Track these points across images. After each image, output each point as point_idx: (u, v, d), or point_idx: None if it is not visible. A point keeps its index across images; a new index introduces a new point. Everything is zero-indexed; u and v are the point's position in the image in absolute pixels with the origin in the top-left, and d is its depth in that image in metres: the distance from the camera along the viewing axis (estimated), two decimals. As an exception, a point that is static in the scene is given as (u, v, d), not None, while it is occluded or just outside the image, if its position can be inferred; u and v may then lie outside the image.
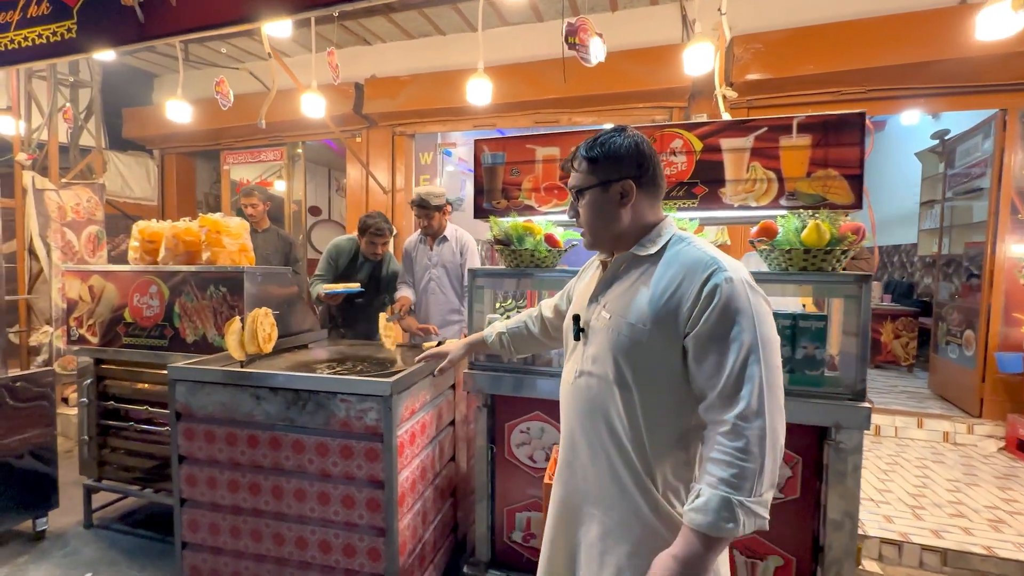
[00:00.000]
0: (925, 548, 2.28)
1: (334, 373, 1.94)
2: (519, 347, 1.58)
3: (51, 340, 4.13)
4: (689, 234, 1.07)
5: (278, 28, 3.11)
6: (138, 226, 2.62)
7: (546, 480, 1.47)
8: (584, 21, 1.99)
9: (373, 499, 1.71)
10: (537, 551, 1.27)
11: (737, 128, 1.83)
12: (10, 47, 2.57)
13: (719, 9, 2.52)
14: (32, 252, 4.17)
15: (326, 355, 2.38)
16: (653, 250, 1.04)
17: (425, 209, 2.87)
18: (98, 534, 2.57)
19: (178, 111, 3.72)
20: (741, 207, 1.84)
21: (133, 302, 2.45)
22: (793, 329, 1.71)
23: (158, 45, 4.94)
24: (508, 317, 1.80)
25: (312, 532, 1.78)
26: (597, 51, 2.01)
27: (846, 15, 3.57)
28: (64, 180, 4.43)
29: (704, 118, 3.82)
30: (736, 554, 1.77)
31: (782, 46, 3.64)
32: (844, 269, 1.67)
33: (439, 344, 2.40)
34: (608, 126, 1.15)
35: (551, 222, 1.99)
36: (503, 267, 1.99)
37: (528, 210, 2.11)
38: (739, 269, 0.97)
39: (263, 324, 2.09)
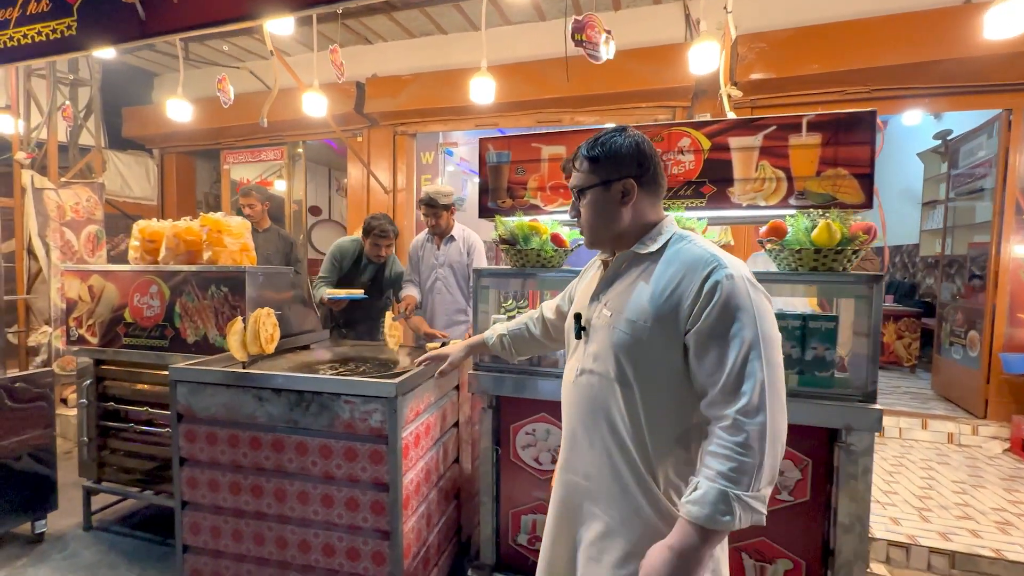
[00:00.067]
0: (933, 551, 2.26)
1: (337, 374, 1.92)
2: (520, 349, 1.58)
3: (50, 340, 4.10)
4: (690, 233, 1.07)
5: (280, 26, 3.09)
6: (138, 225, 2.60)
7: (552, 483, 1.45)
8: (591, 18, 1.97)
9: (377, 502, 1.69)
10: (543, 555, 1.25)
11: (746, 127, 1.81)
12: (9, 44, 2.55)
13: (725, 7, 2.50)
14: (31, 252, 4.14)
15: (329, 356, 2.35)
16: (654, 248, 1.04)
17: (433, 208, 2.86)
18: (98, 536, 2.54)
19: (178, 110, 3.70)
20: (750, 206, 1.82)
21: (133, 302, 2.43)
22: (803, 330, 1.69)
23: (159, 43, 4.92)
24: (512, 317, 1.79)
25: (315, 535, 1.76)
26: (606, 48, 1.99)
27: (850, 14, 3.56)
28: (63, 179, 4.40)
29: (708, 118, 3.80)
30: (745, 557, 1.75)
31: (786, 45, 3.62)
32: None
33: (442, 345, 2.38)
34: (610, 125, 1.14)
35: (557, 221, 1.97)
36: (509, 267, 1.97)
37: (534, 209, 2.09)
38: (739, 266, 0.97)
39: (265, 324, 2.07)
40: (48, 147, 4.31)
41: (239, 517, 1.85)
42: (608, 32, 2.00)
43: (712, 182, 1.86)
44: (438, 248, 3.00)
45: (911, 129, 5.87)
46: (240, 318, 2.04)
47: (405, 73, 4.67)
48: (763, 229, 1.70)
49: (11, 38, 2.54)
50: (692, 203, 1.88)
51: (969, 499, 2.73)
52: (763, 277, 1.70)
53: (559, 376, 1.85)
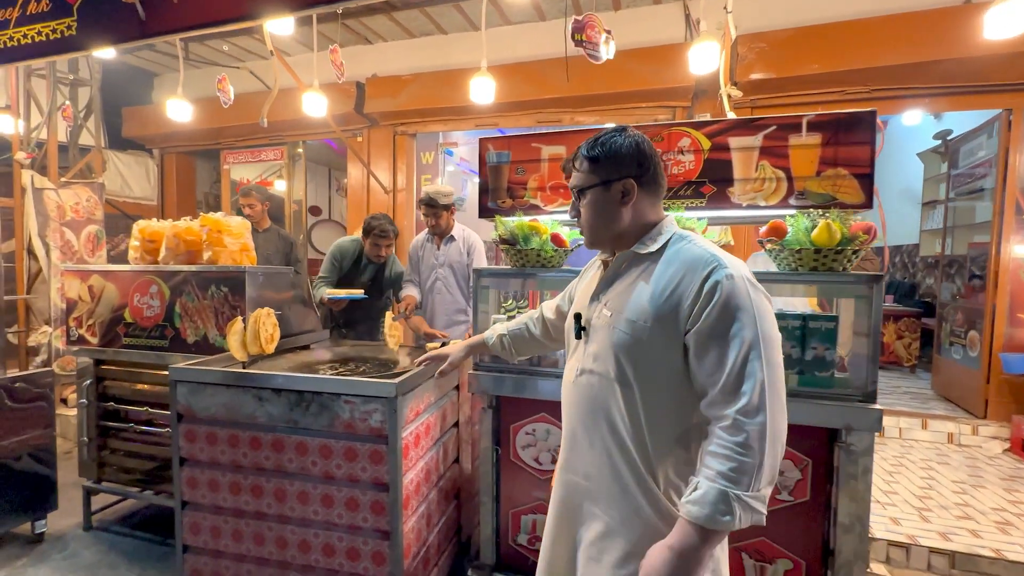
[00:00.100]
0: (933, 551, 2.26)
1: (337, 374, 1.92)
2: (520, 349, 1.58)
3: (50, 340, 4.10)
4: (690, 232, 1.07)
5: (280, 26, 3.09)
6: (138, 225, 2.60)
7: (552, 483, 1.46)
8: (591, 17, 1.97)
9: (377, 502, 1.69)
10: (544, 554, 1.25)
11: (746, 127, 1.81)
12: (9, 44, 2.55)
13: (725, 7, 2.50)
14: (31, 252, 4.14)
15: (328, 356, 2.35)
16: (654, 248, 1.04)
17: (433, 208, 2.86)
18: (97, 536, 2.54)
19: (178, 110, 3.70)
20: (750, 206, 1.82)
21: (133, 302, 2.43)
22: (803, 330, 1.69)
23: (159, 43, 4.92)
24: (512, 317, 1.78)
25: (315, 535, 1.76)
26: (606, 48, 1.99)
27: (850, 14, 3.56)
28: (63, 179, 4.40)
29: (708, 118, 3.80)
30: (745, 557, 1.75)
31: (786, 45, 3.62)
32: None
33: (442, 345, 2.38)
34: (610, 126, 1.14)
35: (557, 221, 1.97)
36: (509, 267, 1.97)
37: (534, 209, 2.09)
38: (739, 266, 0.97)
39: (265, 324, 2.07)
40: (48, 147, 4.31)
41: (239, 517, 1.85)
42: (608, 32, 2.00)
43: (712, 182, 1.86)
44: (438, 248, 3.00)
45: (911, 129, 5.87)
46: (240, 318, 2.04)
47: (405, 73, 4.67)
48: (763, 229, 1.70)
49: (11, 38, 2.54)
50: (692, 203, 1.88)
51: (969, 499, 2.73)
52: (763, 277, 1.70)
53: (559, 376, 1.85)
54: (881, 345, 5.23)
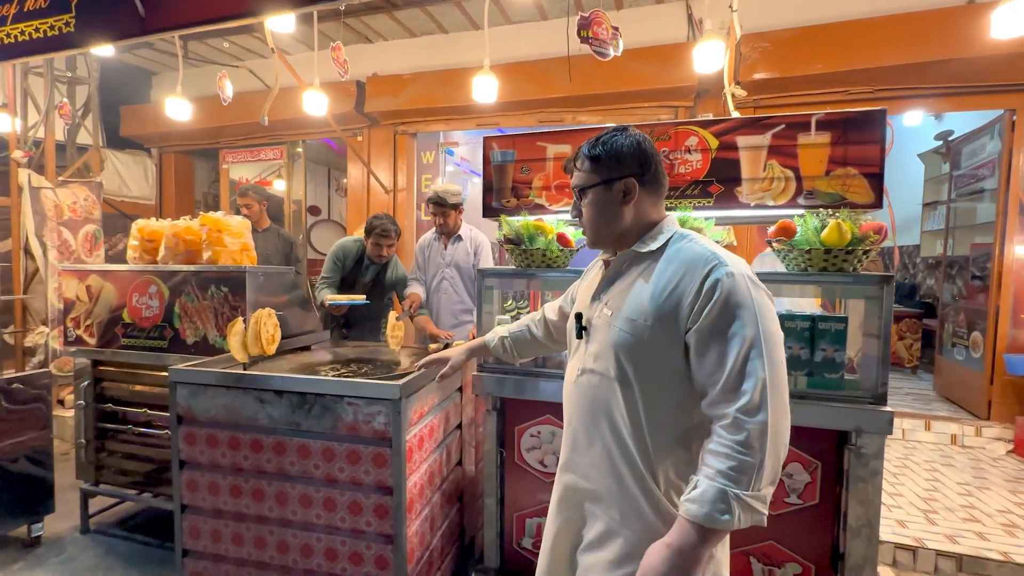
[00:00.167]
0: (940, 554, 2.24)
1: (339, 376, 1.89)
2: (522, 351, 1.56)
3: (47, 341, 4.06)
4: (691, 232, 1.07)
5: (281, 23, 3.06)
6: (137, 225, 2.57)
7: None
8: (598, 14, 1.95)
9: (381, 505, 1.67)
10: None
11: (754, 125, 1.80)
12: (6, 41, 2.51)
13: (730, 6, 2.48)
14: (28, 251, 4.10)
15: (330, 357, 2.33)
16: (654, 247, 1.04)
17: (441, 207, 2.85)
18: (95, 539, 2.51)
19: (177, 109, 3.67)
20: (758, 206, 1.81)
21: (132, 302, 2.40)
22: (812, 331, 1.67)
23: (158, 41, 4.89)
24: (516, 318, 1.76)
25: (317, 539, 1.73)
26: (614, 45, 1.96)
27: (853, 14, 3.55)
28: (61, 178, 4.36)
29: (710, 117, 3.79)
30: (753, 561, 1.73)
31: (789, 45, 3.61)
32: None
33: (446, 347, 2.35)
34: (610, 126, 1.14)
35: (562, 221, 1.95)
36: (514, 267, 1.95)
37: (539, 209, 2.06)
38: (740, 264, 0.97)
39: (266, 325, 2.04)
40: (45, 146, 4.28)
41: (240, 521, 1.82)
42: (616, 29, 1.98)
43: (720, 181, 1.83)
44: (445, 247, 2.98)
45: (911, 130, 5.86)
46: (241, 319, 2.01)
47: (406, 72, 4.64)
48: (772, 229, 1.68)
49: (8, 35, 2.51)
50: (699, 203, 1.86)
51: (975, 501, 2.71)
52: (773, 277, 1.68)
53: (564, 377, 1.83)
54: (883, 346, 5.25)
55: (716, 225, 1.85)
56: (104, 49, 2.98)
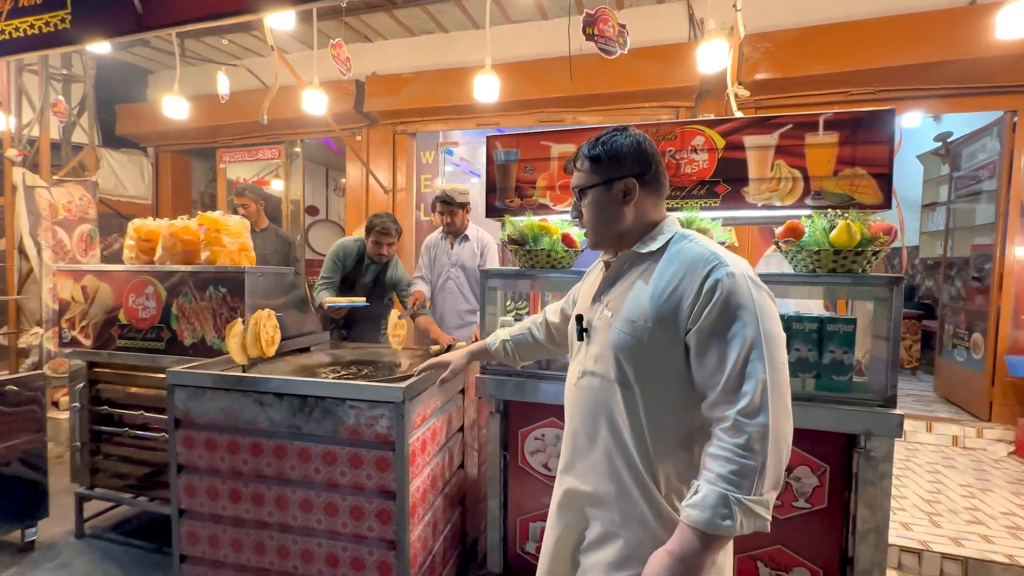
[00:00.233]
0: (945, 556, 2.23)
1: (340, 378, 1.86)
2: (524, 354, 1.54)
3: (41, 342, 4.01)
4: (692, 232, 1.06)
5: (280, 21, 3.03)
6: (134, 224, 2.53)
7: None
8: (604, 11, 1.93)
9: (384, 510, 1.64)
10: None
11: (761, 125, 1.78)
12: (0, 38, 2.47)
13: (734, 5, 2.47)
14: (22, 251, 4.05)
15: (330, 359, 2.29)
16: (655, 247, 1.03)
17: (449, 206, 2.84)
18: (90, 544, 2.47)
19: (174, 107, 3.63)
20: (765, 206, 1.79)
21: (128, 303, 2.36)
22: (820, 333, 1.65)
23: (154, 40, 4.84)
24: (519, 318, 1.74)
25: (318, 545, 1.70)
26: (620, 43, 1.94)
27: (855, 15, 3.54)
28: (56, 177, 4.31)
29: (711, 118, 3.78)
30: (761, 566, 1.71)
31: (791, 45, 3.60)
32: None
33: (448, 349, 2.33)
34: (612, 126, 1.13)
35: (567, 221, 1.93)
36: (518, 268, 1.93)
37: (543, 209, 2.04)
38: (741, 265, 0.96)
39: (266, 327, 2.00)
40: (40, 144, 4.23)
41: (239, 526, 1.79)
42: (623, 26, 1.96)
43: (726, 181, 1.82)
44: (451, 247, 2.97)
45: (910, 131, 5.87)
46: (240, 320, 1.98)
47: (405, 71, 4.62)
48: (779, 230, 1.66)
49: (2, 31, 2.47)
50: (706, 203, 1.84)
51: (978, 503, 2.70)
52: (780, 279, 1.66)
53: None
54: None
55: (722, 226, 1.84)
56: (100, 46, 2.94)
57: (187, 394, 1.81)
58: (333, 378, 1.85)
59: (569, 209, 2.04)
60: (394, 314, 2.31)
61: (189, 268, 2.28)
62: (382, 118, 4.84)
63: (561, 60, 3.86)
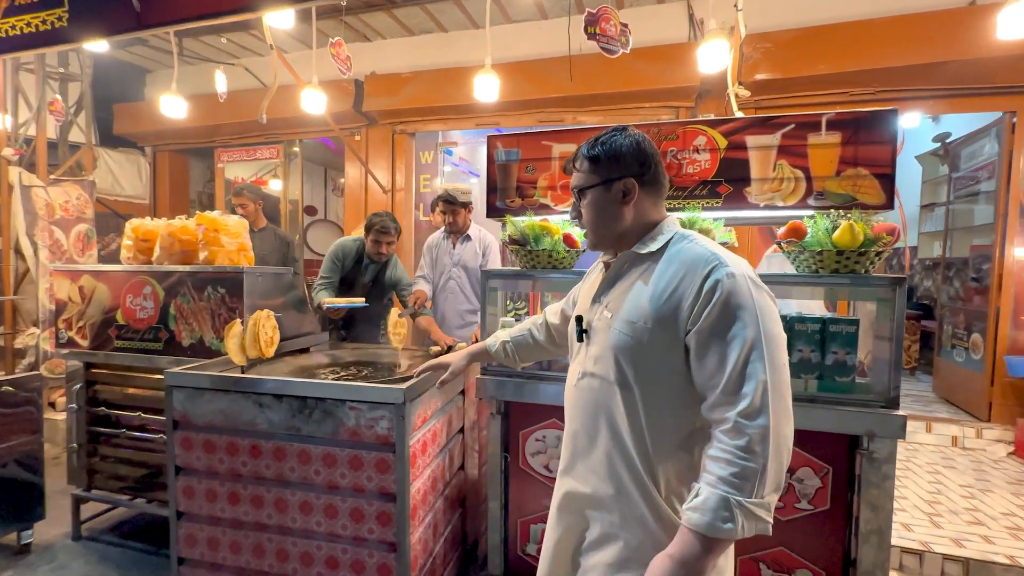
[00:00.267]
0: (947, 558, 2.22)
1: (339, 379, 1.85)
2: (524, 355, 1.54)
3: (38, 343, 3.98)
4: (692, 232, 1.05)
5: (279, 20, 3.01)
6: (131, 224, 2.51)
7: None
8: (606, 10, 1.92)
9: (384, 512, 1.62)
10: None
11: (763, 125, 1.77)
12: (-3, 35, 2.46)
13: (735, 5, 2.46)
14: (18, 251, 4.02)
15: (329, 360, 2.28)
16: (654, 247, 1.03)
17: (452, 205, 2.83)
18: (87, 546, 2.45)
19: (172, 107, 3.61)
20: (767, 207, 1.78)
21: (126, 303, 2.34)
22: (823, 334, 1.64)
23: (152, 39, 4.82)
24: (519, 319, 1.73)
25: (318, 547, 1.69)
26: (622, 42, 1.93)
27: (855, 15, 3.54)
28: (52, 176, 4.29)
29: (713, 118, 3.77)
30: (763, 567, 1.70)
31: (791, 46, 3.60)
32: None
33: (449, 350, 2.31)
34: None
35: (568, 221, 1.92)
36: (519, 268, 1.92)
37: (544, 209, 2.03)
38: (741, 265, 0.95)
39: (265, 327, 1.99)
40: (37, 143, 4.20)
41: (238, 528, 1.77)
42: (625, 25, 1.95)
43: (728, 182, 1.81)
44: (453, 247, 2.96)
45: (910, 132, 5.87)
46: (239, 321, 1.96)
47: (405, 71, 4.60)
48: (782, 230, 1.66)
49: (-1, 29, 2.45)
50: (708, 203, 1.83)
51: (978, 504, 2.70)
52: (783, 279, 1.65)
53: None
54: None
55: (724, 227, 1.83)
56: (98, 45, 2.92)
57: (185, 395, 1.79)
58: (333, 379, 1.84)
59: (570, 209, 2.04)
60: (394, 312, 2.30)
61: (187, 268, 2.26)
62: (381, 118, 4.83)
63: (561, 60, 3.86)
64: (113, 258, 4.92)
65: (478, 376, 1.92)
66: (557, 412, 1.86)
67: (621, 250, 1.09)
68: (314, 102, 3.38)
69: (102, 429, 2.42)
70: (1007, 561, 2.17)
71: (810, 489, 1.65)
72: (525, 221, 1.84)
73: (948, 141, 4.90)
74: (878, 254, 1.54)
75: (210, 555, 1.80)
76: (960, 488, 2.89)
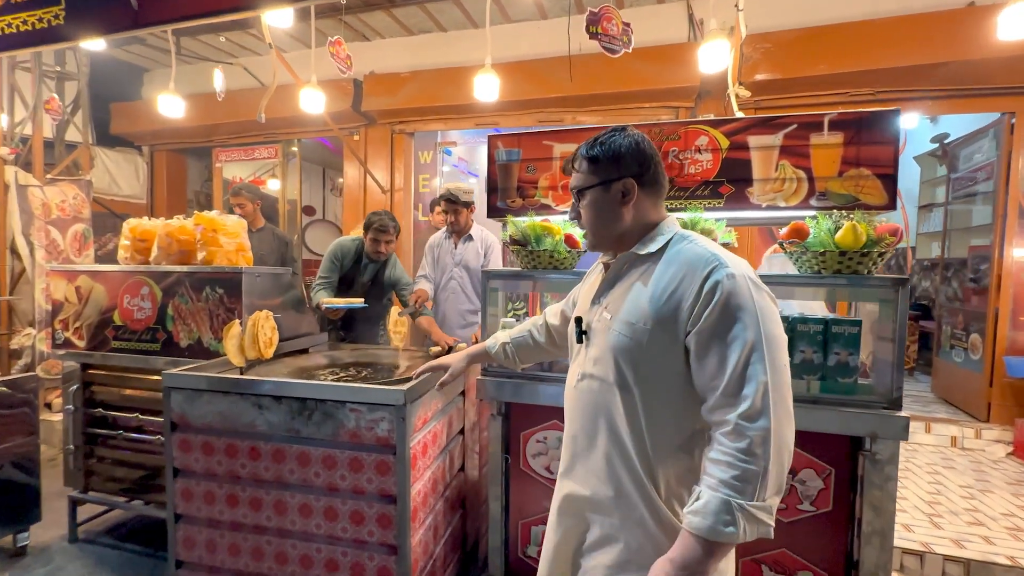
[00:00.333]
0: (947, 558, 2.22)
1: (339, 380, 1.84)
2: (524, 357, 1.53)
3: (34, 343, 3.96)
4: (692, 233, 1.05)
5: (278, 19, 3.00)
6: (129, 224, 2.49)
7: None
8: (608, 9, 1.91)
9: (384, 514, 1.61)
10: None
11: (766, 125, 1.77)
12: (-7, 33, 2.43)
13: (736, 5, 2.46)
14: (14, 251, 3.99)
15: (328, 360, 2.27)
16: (654, 248, 1.02)
17: (454, 204, 2.82)
18: (84, 549, 2.43)
19: (170, 106, 3.59)
20: (769, 207, 1.78)
21: (123, 304, 2.32)
22: (825, 335, 1.64)
23: (149, 38, 4.79)
24: (519, 319, 1.72)
25: (318, 550, 1.68)
26: (623, 41, 1.92)
27: (856, 16, 3.54)
28: (49, 176, 4.26)
29: (714, 118, 3.77)
30: (765, 569, 1.69)
31: (792, 46, 3.60)
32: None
33: (449, 350, 2.30)
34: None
35: (569, 221, 1.91)
36: (520, 268, 1.91)
37: (545, 209, 2.03)
38: (742, 265, 0.95)
39: (264, 328, 1.97)
40: (33, 143, 4.17)
41: (236, 531, 1.76)
42: (627, 25, 1.94)
43: (731, 182, 1.80)
44: (455, 247, 2.95)
45: (908, 132, 5.89)
46: (237, 321, 1.95)
47: (404, 71, 4.59)
48: (783, 231, 1.65)
49: (-5, 27, 2.43)
50: (710, 203, 1.82)
51: (978, 504, 2.70)
52: (784, 280, 1.65)
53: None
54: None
55: (725, 227, 1.82)
56: (95, 43, 2.90)
57: (183, 397, 1.78)
58: (332, 380, 1.82)
59: (569, 210, 2.03)
60: (395, 311, 2.28)
61: (185, 268, 2.24)
62: (380, 117, 4.81)
63: (561, 60, 3.85)
64: (110, 258, 4.89)
65: (478, 377, 1.91)
66: (558, 413, 1.84)
67: (621, 251, 1.08)
68: (313, 102, 3.37)
69: (99, 431, 2.40)
70: (1008, 562, 2.17)
71: (812, 490, 1.65)
72: (526, 221, 1.84)
73: (946, 142, 4.91)
74: (881, 255, 1.54)
75: (208, 558, 1.79)
76: (960, 488, 2.89)
